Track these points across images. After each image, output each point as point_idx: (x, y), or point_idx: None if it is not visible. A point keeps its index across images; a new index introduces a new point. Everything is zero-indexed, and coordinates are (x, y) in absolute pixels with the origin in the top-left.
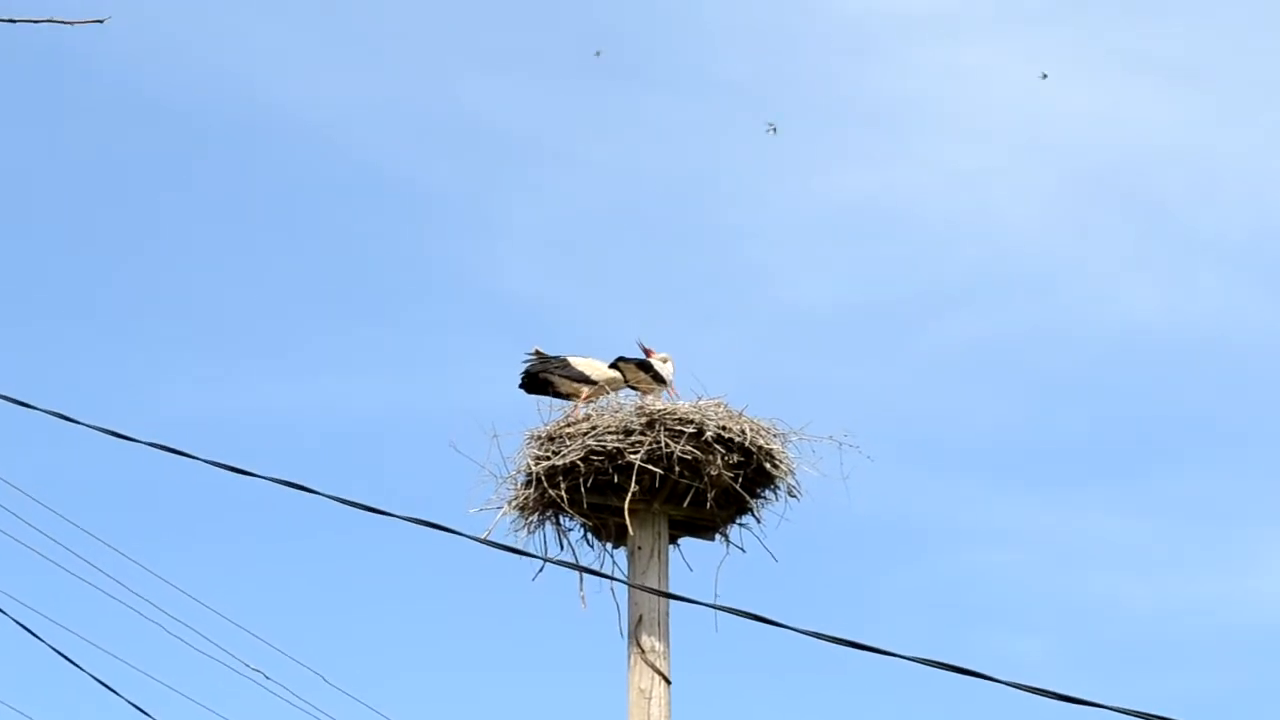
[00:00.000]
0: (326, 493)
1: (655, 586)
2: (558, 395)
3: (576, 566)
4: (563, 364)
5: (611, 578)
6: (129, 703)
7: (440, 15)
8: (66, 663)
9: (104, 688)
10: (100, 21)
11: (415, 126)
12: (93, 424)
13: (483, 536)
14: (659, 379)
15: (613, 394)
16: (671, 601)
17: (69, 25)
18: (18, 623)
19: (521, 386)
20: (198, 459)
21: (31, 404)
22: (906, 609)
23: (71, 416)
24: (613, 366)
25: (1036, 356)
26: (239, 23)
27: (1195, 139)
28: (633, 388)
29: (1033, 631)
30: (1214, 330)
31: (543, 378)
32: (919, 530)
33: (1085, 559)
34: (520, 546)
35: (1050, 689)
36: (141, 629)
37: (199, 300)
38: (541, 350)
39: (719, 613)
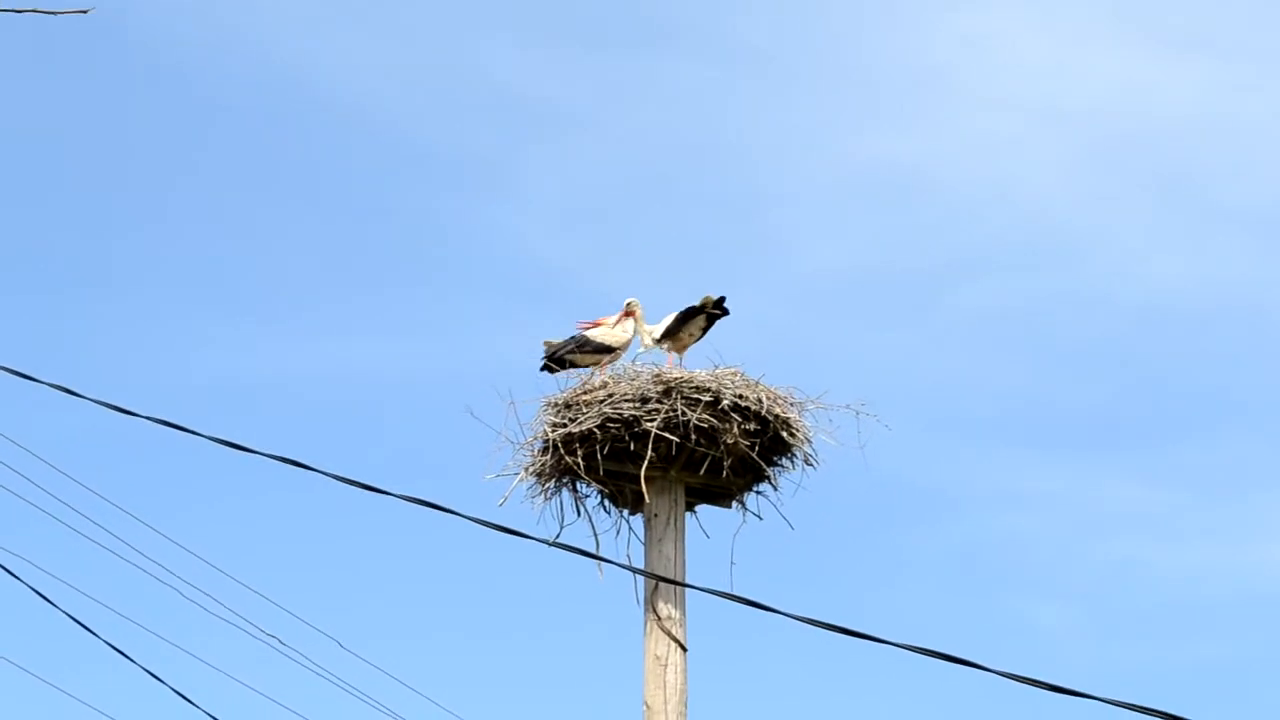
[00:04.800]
0: (326, 470)
1: (671, 554)
2: (578, 367)
3: (590, 554)
4: (582, 341)
5: (627, 567)
6: (143, 668)
7: None
8: (80, 628)
9: (118, 653)
10: (83, 12)
11: (439, 92)
12: (96, 398)
13: (482, 518)
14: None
15: (630, 360)
16: (687, 568)
17: (52, 15)
18: (32, 589)
19: (544, 369)
20: (199, 434)
21: (36, 377)
22: (925, 575)
23: (75, 390)
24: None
25: (1058, 324)
26: None
27: (1219, 108)
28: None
29: (1053, 597)
30: (1237, 299)
31: (563, 358)
32: (937, 497)
33: (1106, 526)
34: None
35: (1041, 679)
36: (156, 594)
37: (219, 265)
38: (550, 341)
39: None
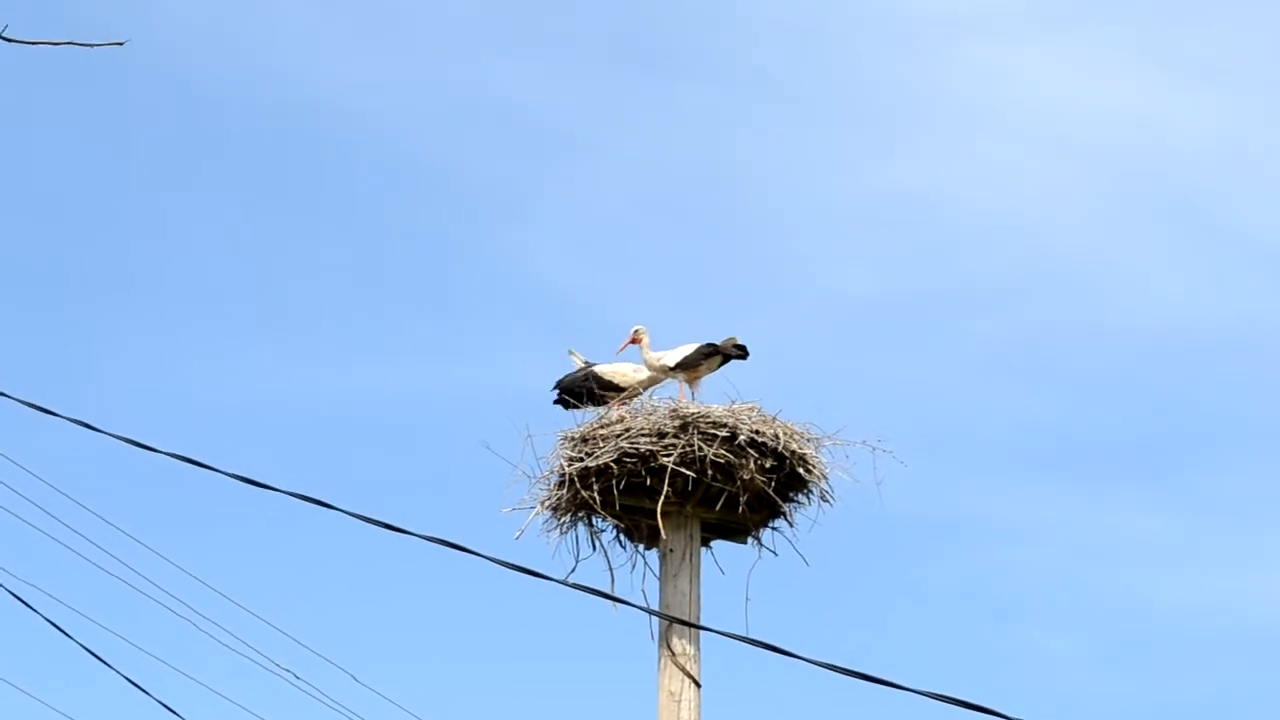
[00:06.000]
0: (345, 509)
1: (686, 590)
2: (594, 403)
3: (605, 594)
4: (589, 374)
5: (646, 609)
6: (159, 702)
7: (476, 2)
8: (96, 661)
9: (134, 686)
10: (120, 44)
11: (449, 113)
12: (114, 433)
13: (498, 558)
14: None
15: (646, 395)
16: (703, 604)
17: (88, 47)
18: (46, 619)
19: (557, 403)
20: (219, 471)
21: (56, 411)
22: (940, 609)
23: (94, 425)
24: (709, 355)
25: (1070, 354)
26: (271, 7)
27: (1230, 139)
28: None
29: (1062, 628)
30: (1248, 329)
31: (576, 391)
32: (951, 527)
33: (1115, 555)
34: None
35: None
36: (171, 626)
37: (234, 289)
38: (576, 352)
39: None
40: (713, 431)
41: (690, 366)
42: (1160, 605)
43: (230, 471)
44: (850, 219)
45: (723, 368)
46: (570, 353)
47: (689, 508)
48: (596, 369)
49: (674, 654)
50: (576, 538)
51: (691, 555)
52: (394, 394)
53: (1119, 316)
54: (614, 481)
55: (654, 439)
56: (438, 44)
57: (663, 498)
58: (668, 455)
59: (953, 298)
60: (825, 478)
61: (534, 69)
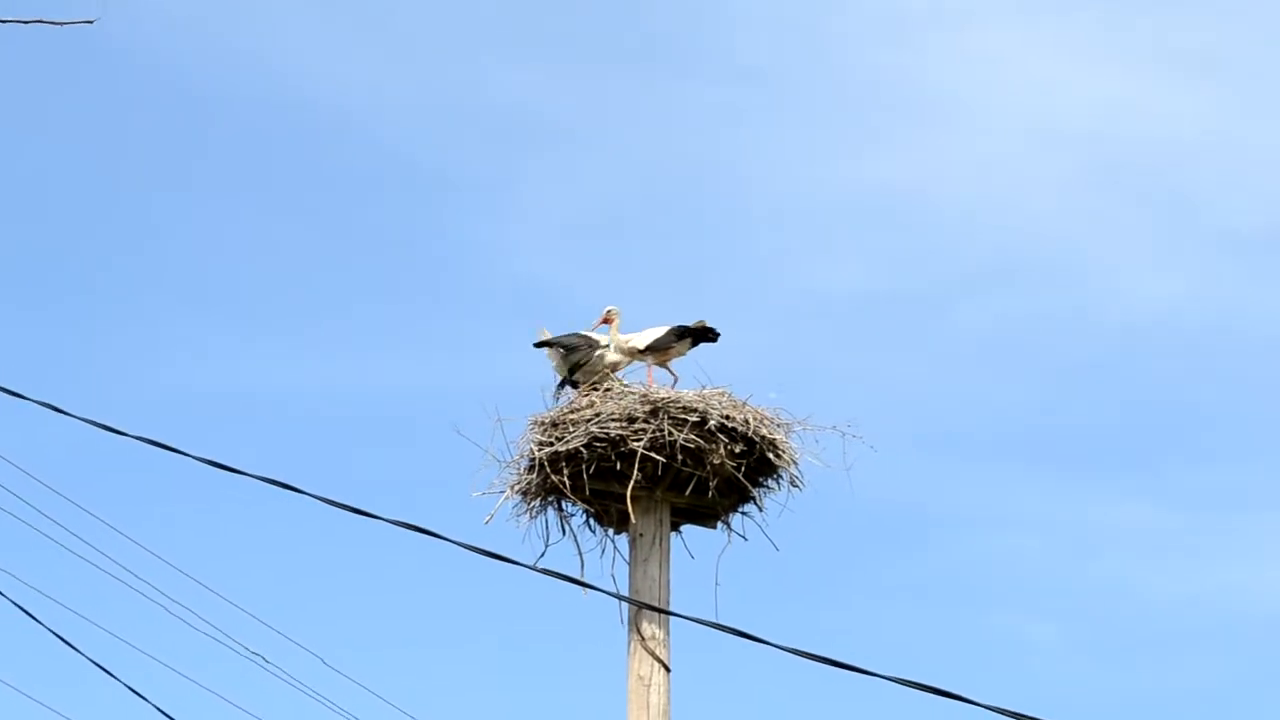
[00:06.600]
0: (313, 493)
1: (656, 574)
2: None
3: (573, 580)
4: (579, 340)
5: (615, 595)
6: (126, 686)
7: (475, 2)
8: (64, 644)
9: (101, 670)
10: (89, 22)
11: (432, 108)
12: (83, 416)
13: (467, 542)
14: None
15: (619, 376)
16: (672, 589)
17: (58, 25)
18: (15, 604)
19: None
20: (187, 455)
21: (24, 394)
22: (913, 597)
23: (61, 408)
24: (682, 336)
25: (1053, 345)
26: (270, 7)
27: (1215, 129)
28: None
29: (1045, 617)
30: (1233, 320)
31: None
32: (927, 517)
33: (1100, 545)
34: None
35: (1031, 715)
36: (140, 610)
37: (211, 278)
38: (548, 331)
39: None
40: (683, 416)
41: (660, 349)
42: (1146, 596)
43: (197, 455)
44: (834, 212)
45: (698, 355)
46: (541, 331)
47: (659, 492)
48: (589, 333)
49: (643, 639)
50: (546, 522)
51: (661, 540)
52: (371, 384)
53: (1104, 307)
54: (584, 466)
55: (624, 424)
56: (436, 44)
57: (632, 482)
58: (638, 440)
59: (937, 288)
60: (795, 463)
61: (519, 64)
